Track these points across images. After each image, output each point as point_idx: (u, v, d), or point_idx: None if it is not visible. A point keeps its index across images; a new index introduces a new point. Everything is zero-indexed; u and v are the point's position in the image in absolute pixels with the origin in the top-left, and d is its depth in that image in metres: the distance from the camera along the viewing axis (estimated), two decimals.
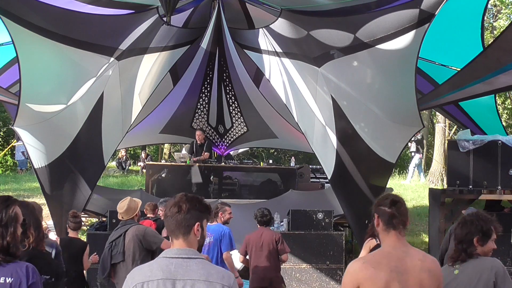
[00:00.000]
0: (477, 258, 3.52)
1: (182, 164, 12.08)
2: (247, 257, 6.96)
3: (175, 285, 2.54)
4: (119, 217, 6.24)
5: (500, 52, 6.93)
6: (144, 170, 14.97)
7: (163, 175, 12.30)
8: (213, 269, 2.63)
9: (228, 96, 13.23)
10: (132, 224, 6.17)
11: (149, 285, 2.55)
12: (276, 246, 6.78)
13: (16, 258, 2.76)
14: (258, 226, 6.99)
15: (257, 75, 11.86)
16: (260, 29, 9.64)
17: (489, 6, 16.22)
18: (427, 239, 10.23)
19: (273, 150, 25.25)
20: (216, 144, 14.44)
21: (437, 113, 18.48)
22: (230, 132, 14.19)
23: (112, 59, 8.88)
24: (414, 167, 17.91)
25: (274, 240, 6.79)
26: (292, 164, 13.60)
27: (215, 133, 14.30)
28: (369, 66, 8.54)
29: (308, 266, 8.91)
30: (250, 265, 6.89)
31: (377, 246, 6.97)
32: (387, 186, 9.93)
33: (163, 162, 14.59)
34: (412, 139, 14.03)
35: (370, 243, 6.90)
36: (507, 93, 21.76)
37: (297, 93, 9.80)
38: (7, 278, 2.64)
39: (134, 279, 2.60)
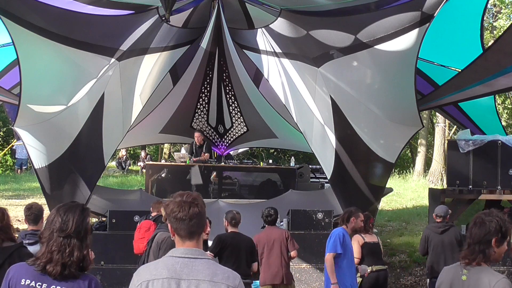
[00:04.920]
0: (486, 268, 3.22)
1: (182, 164, 12.08)
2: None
3: (180, 284, 2.54)
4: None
5: (500, 55, 6.97)
6: (144, 170, 14.97)
7: (163, 175, 12.30)
8: (218, 269, 2.62)
9: (228, 96, 13.22)
10: (161, 229, 6.02)
11: (154, 283, 2.55)
12: (287, 243, 7.01)
13: (87, 271, 2.74)
14: (266, 225, 7.24)
15: (257, 75, 11.85)
16: (259, 29, 9.64)
17: (489, 6, 16.21)
18: None
19: (273, 150, 25.21)
20: (216, 144, 14.43)
21: (437, 113, 18.48)
22: (230, 132, 14.17)
23: (112, 59, 8.88)
24: None
25: (285, 238, 7.03)
26: (292, 164, 13.58)
27: (215, 133, 14.29)
28: (369, 66, 8.56)
29: (308, 266, 8.91)
30: (261, 264, 6.99)
31: (365, 243, 7.12)
32: (387, 186, 9.96)
33: (163, 162, 14.58)
34: None
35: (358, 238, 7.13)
36: (507, 93, 21.75)
37: (296, 93, 9.81)
38: None
39: (140, 277, 2.61)
